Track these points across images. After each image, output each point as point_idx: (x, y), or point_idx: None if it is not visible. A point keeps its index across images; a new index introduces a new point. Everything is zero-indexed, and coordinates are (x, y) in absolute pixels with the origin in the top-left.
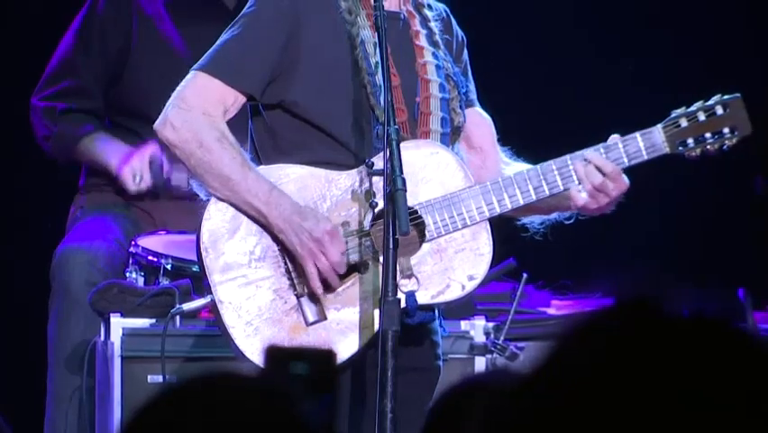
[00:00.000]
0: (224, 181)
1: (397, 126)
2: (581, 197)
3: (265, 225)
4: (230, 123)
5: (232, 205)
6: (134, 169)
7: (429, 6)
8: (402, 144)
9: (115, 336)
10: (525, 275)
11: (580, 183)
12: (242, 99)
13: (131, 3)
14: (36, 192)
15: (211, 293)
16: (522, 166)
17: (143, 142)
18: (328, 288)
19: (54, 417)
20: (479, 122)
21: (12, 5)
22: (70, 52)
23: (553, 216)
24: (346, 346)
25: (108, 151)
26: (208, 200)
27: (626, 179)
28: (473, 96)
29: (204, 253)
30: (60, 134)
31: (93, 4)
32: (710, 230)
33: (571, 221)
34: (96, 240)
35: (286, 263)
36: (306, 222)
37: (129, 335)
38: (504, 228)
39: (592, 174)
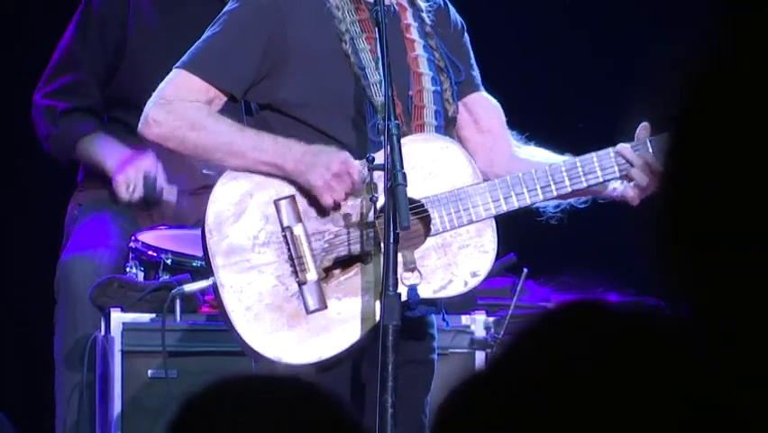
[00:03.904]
0: (228, 149)
1: (397, 121)
2: (629, 187)
3: (282, 176)
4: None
5: (246, 170)
6: (129, 178)
7: None
8: (411, 138)
9: (116, 331)
10: (525, 270)
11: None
12: (222, 98)
13: None
14: (35, 190)
15: (213, 276)
16: (534, 150)
17: (140, 141)
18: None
19: (62, 417)
20: (486, 105)
21: (13, 4)
22: (69, 47)
23: (570, 200)
24: (345, 336)
25: (106, 152)
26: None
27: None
28: (478, 81)
29: (208, 236)
30: (60, 135)
31: None
32: None
33: (587, 205)
34: (99, 247)
35: (289, 250)
36: (319, 158)
37: (129, 329)
38: (505, 223)
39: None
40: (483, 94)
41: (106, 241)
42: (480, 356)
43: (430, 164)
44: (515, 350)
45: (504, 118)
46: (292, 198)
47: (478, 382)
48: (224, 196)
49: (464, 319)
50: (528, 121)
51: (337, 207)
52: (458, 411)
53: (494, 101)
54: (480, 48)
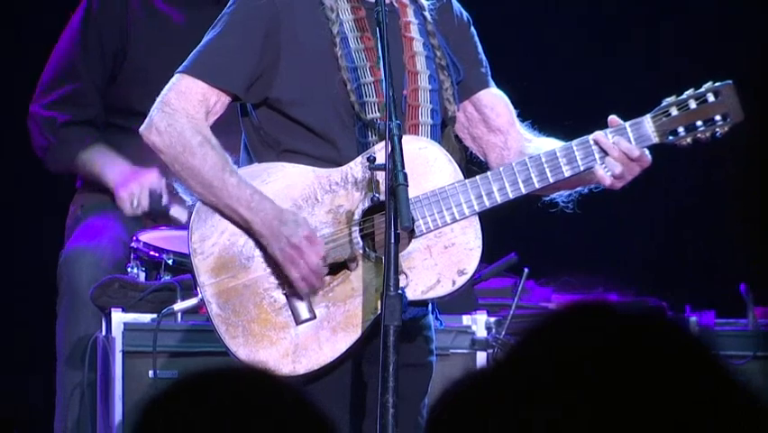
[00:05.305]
0: (207, 187)
1: (398, 121)
2: (606, 175)
3: (248, 231)
4: (225, 122)
5: (216, 210)
6: (133, 194)
7: None
8: None
9: (117, 331)
10: (526, 270)
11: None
12: (225, 99)
13: (125, 1)
14: (36, 191)
15: (201, 293)
16: (544, 141)
17: (139, 147)
18: (312, 289)
19: (62, 412)
20: (494, 103)
21: (13, 9)
22: (69, 56)
23: (579, 189)
24: (336, 344)
25: (106, 166)
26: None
27: (648, 155)
28: (487, 77)
29: (192, 254)
30: (59, 147)
31: (87, 6)
32: (713, 226)
33: (599, 189)
34: (102, 240)
35: (274, 263)
36: (284, 227)
37: (130, 330)
38: (506, 223)
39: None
40: (492, 90)
41: (109, 234)
42: (481, 357)
43: (409, 166)
44: (520, 350)
45: (514, 113)
46: None
47: (481, 381)
48: (207, 213)
49: (465, 320)
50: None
51: (320, 217)
52: (459, 409)
53: (502, 96)
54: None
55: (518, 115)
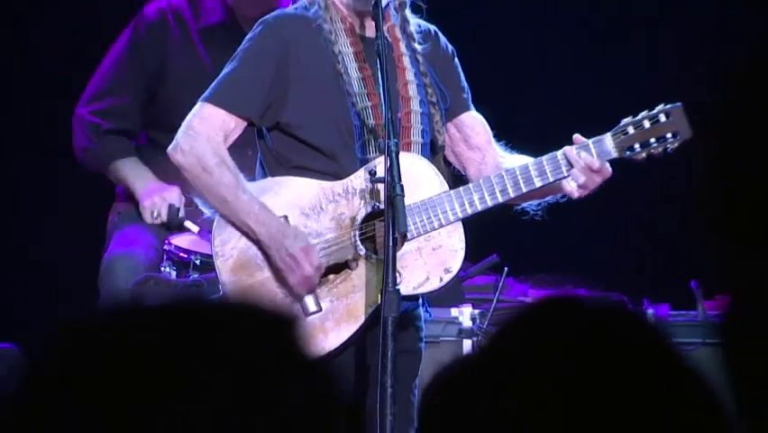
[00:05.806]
0: (222, 202)
1: (396, 140)
2: (572, 185)
3: (256, 240)
4: (239, 144)
5: (229, 222)
6: (155, 206)
7: (418, 26)
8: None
9: None
10: (506, 269)
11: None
12: (242, 124)
13: (165, 28)
14: (36, 191)
15: (222, 290)
16: (516, 157)
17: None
18: (309, 291)
19: None
20: (474, 124)
21: (13, 9)
22: (118, 72)
23: (548, 198)
24: (340, 333)
25: (136, 177)
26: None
27: (608, 167)
28: (468, 101)
29: (215, 256)
30: (99, 152)
31: (135, 30)
32: (667, 231)
33: (565, 199)
34: (137, 248)
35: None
36: (286, 240)
37: None
38: (488, 227)
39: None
40: (472, 113)
41: (143, 242)
42: (466, 344)
43: (402, 179)
44: (500, 338)
45: (491, 134)
46: (285, 217)
47: (467, 366)
48: (226, 222)
49: (453, 312)
50: (520, 125)
51: (324, 224)
52: (450, 394)
53: (482, 119)
54: (475, 56)
55: (512, 124)
